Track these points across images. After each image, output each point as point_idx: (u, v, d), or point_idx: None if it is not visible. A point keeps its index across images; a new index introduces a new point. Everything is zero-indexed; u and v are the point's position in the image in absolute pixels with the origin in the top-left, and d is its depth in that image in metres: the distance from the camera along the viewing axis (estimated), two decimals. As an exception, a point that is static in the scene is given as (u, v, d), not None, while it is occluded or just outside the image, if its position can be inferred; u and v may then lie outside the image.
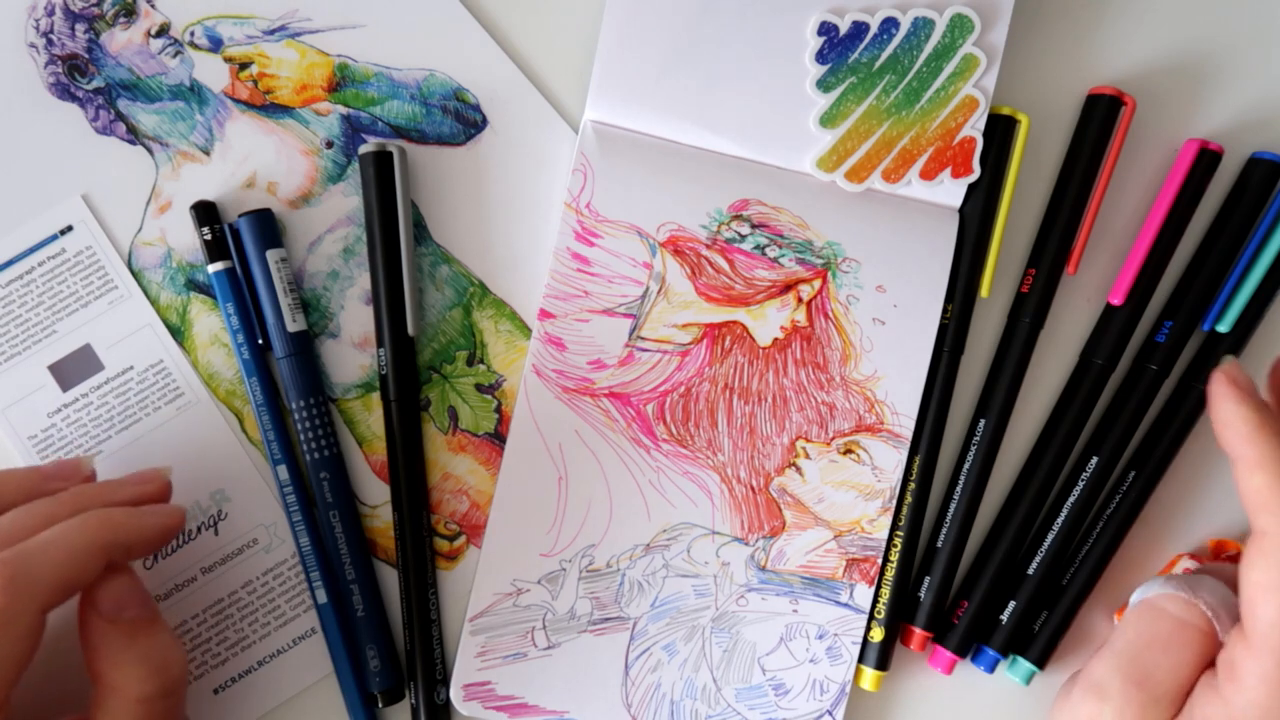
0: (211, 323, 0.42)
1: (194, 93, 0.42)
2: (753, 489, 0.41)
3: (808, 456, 0.42)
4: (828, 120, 0.41)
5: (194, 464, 0.41)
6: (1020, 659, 0.42)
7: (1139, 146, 0.44)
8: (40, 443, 0.41)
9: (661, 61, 0.41)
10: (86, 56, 0.42)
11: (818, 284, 0.42)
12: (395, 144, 0.42)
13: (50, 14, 0.42)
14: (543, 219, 0.43)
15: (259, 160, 0.42)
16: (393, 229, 0.41)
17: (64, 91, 0.42)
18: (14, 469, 0.36)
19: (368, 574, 0.41)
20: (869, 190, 0.42)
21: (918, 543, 0.42)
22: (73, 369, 0.41)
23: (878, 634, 0.42)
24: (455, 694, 0.40)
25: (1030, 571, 0.42)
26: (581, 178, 0.41)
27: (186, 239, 0.42)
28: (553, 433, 0.41)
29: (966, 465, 0.42)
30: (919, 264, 0.42)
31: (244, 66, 0.43)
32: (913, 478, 0.42)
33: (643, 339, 0.41)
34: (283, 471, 0.41)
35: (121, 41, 0.42)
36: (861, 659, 0.42)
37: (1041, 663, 0.42)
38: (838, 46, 0.41)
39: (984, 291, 0.42)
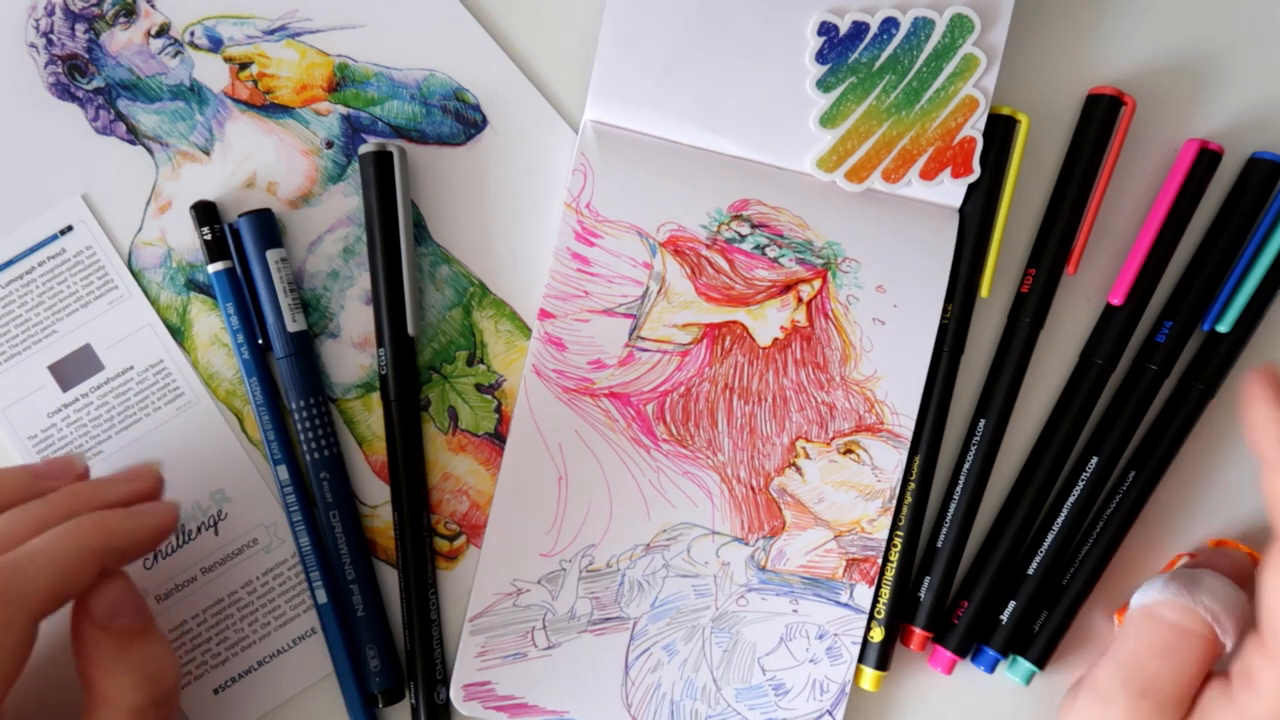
0: (211, 323, 0.42)
1: (194, 93, 0.42)
2: (753, 489, 0.41)
3: (808, 456, 0.42)
4: (828, 120, 0.41)
5: (194, 464, 0.41)
6: (1020, 659, 0.42)
7: (1139, 146, 0.44)
8: (40, 443, 0.41)
9: (661, 61, 0.41)
10: (86, 56, 0.42)
11: (818, 284, 0.42)
12: (395, 144, 0.42)
13: (50, 14, 0.42)
14: (543, 219, 0.43)
15: (259, 160, 0.42)
16: (393, 229, 0.41)
17: (64, 91, 0.42)
18: (6, 468, 0.35)
19: (368, 574, 0.41)
20: (869, 190, 0.42)
21: (918, 543, 0.42)
22: (73, 369, 0.41)
23: (878, 634, 0.42)
24: (455, 694, 0.40)
25: (1030, 571, 0.42)
26: (581, 178, 0.41)
27: (186, 239, 0.42)
28: (553, 433, 0.41)
29: (966, 465, 0.42)
30: (919, 264, 0.42)
31: (244, 66, 0.43)
32: (913, 478, 0.42)
33: (643, 339, 0.41)
34: (283, 471, 0.41)
35: (121, 41, 0.42)
36: (861, 659, 0.42)
37: (1041, 663, 0.42)
38: (838, 46, 0.41)
39: (984, 291, 0.42)
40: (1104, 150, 0.43)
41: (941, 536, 0.42)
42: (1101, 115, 0.43)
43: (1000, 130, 0.42)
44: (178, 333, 0.42)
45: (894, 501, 0.42)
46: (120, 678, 0.32)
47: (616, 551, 0.41)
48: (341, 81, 0.43)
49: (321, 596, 0.41)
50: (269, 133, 0.42)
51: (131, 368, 0.41)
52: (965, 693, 0.43)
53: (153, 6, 0.42)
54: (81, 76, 0.42)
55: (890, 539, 0.42)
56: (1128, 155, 0.44)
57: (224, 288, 0.41)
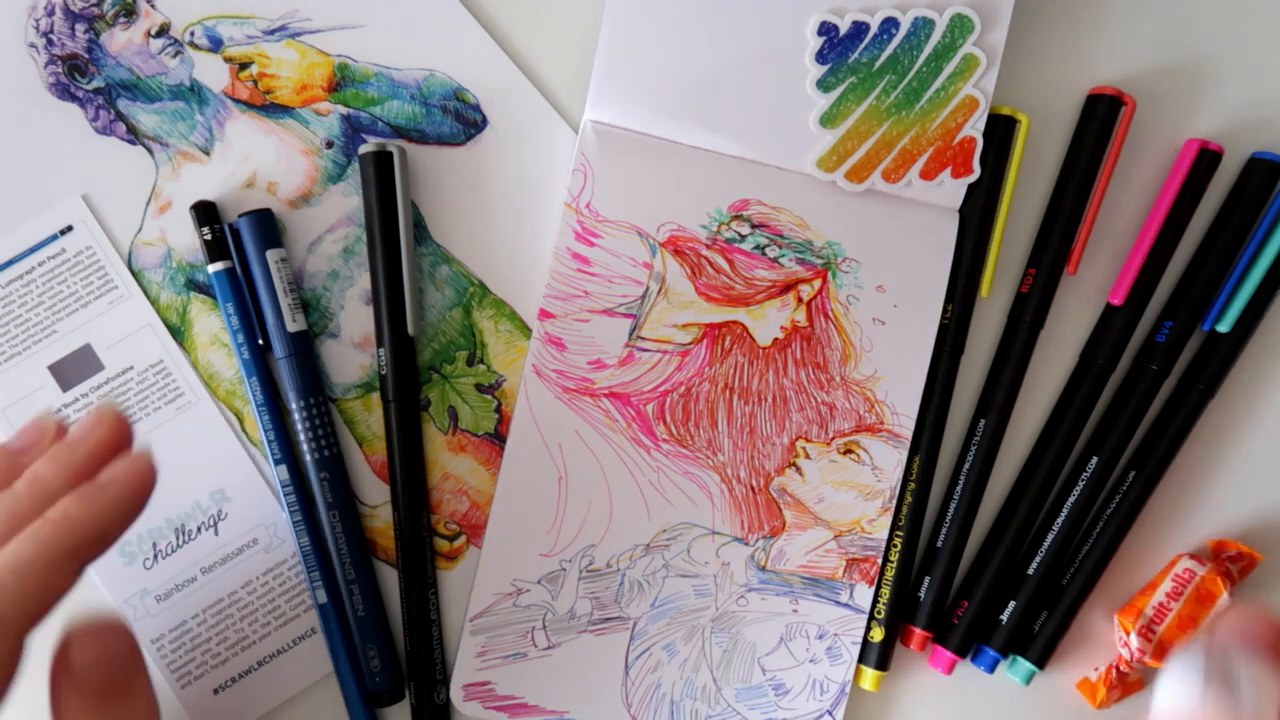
0: (211, 323, 0.42)
1: (194, 93, 0.42)
2: (753, 489, 0.41)
3: (808, 456, 0.42)
4: (828, 120, 0.41)
5: (194, 464, 0.41)
6: (1020, 659, 0.42)
7: (1139, 146, 0.44)
8: None
9: (661, 61, 0.41)
10: (86, 56, 0.42)
11: (818, 284, 0.42)
12: (395, 144, 0.42)
13: (50, 14, 0.42)
14: (543, 219, 0.43)
15: (259, 160, 0.42)
16: (393, 229, 0.41)
17: (64, 91, 0.42)
18: None
19: (368, 574, 0.41)
20: (869, 190, 0.42)
21: (918, 543, 0.42)
22: (73, 369, 0.41)
23: (878, 634, 0.42)
24: (455, 694, 0.40)
25: (1030, 571, 0.42)
26: (581, 178, 0.41)
27: (186, 239, 0.42)
28: (553, 433, 0.41)
29: (966, 465, 0.42)
30: (919, 264, 0.42)
31: (244, 66, 0.43)
32: (913, 478, 0.42)
33: (643, 339, 0.41)
34: (283, 471, 0.41)
35: (121, 41, 0.42)
36: (861, 659, 0.42)
37: (1041, 663, 0.42)
38: (838, 46, 0.41)
39: (984, 291, 0.42)
40: (1104, 150, 0.43)
41: (941, 536, 0.42)
42: (1101, 115, 0.43)
43: (1000, 130, 0.42)
44: (178, 333, 0.42)
45: (894, 501, 0.42)
46: None
47: (616, 551, 0.41)
48: (341, 81, 0.43)
49: (321, 596, 0.41)
50: (269, 133, 0.42)
51: (131, 368, 0.41)
52: (965, 693, 0.43)
53: (153, 6, 0.42)
54: (81, 76, 0.42)
55: (890, 539, 0.42)
56: (1128, 155, 0.44)
57: (224, 288, 0.41)
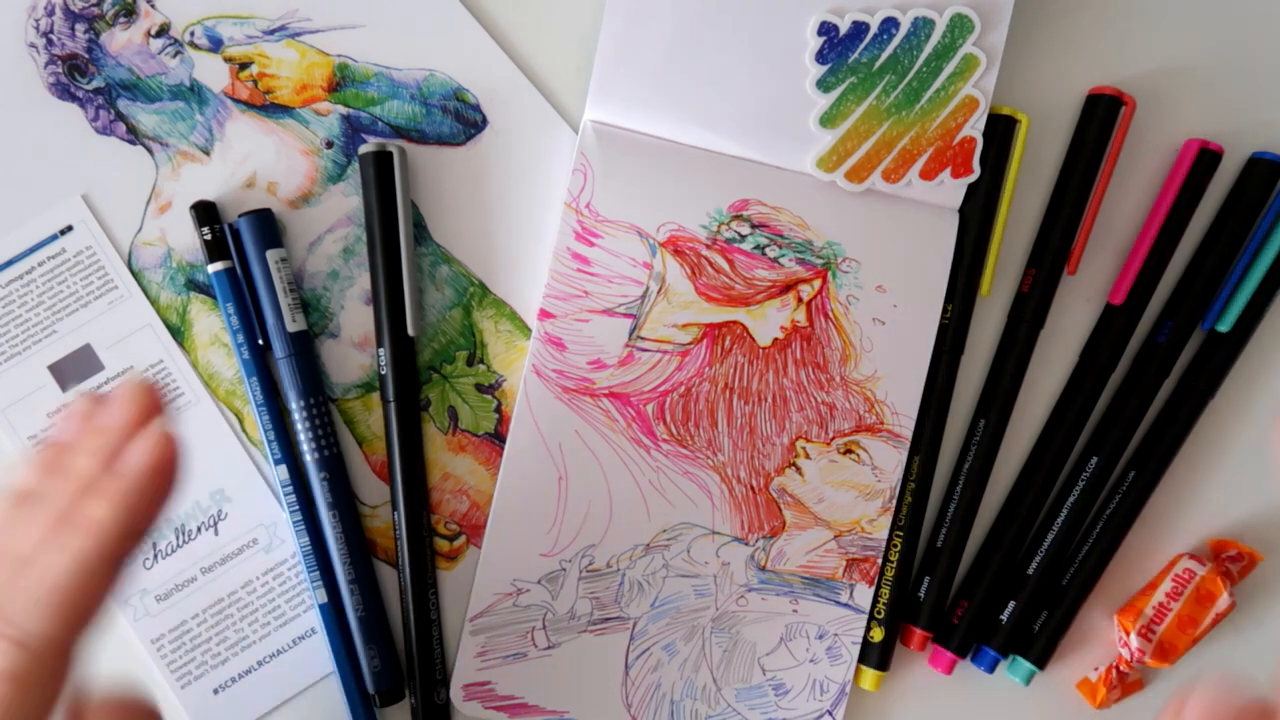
0: (211, 323, 0.42)
1: (194, 93, 0.42)
2: (753, 489, 0.41)
3: (808, 456, 0.42)
4: (828, 120, 0.41)
5: (194, 464, 0.41)
6: (1020, 659, 0.42)
7: (1139, 146, 0.44)
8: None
9: (661, 61, 0.41)
10: (86, 56, 0.42)
11: (818, 284, 0.42)
12: (395, 144, 0.42)
13: (50, 14, 0.42)
14: (543, 219, 0.43)
15: (259, 160, 0.42)
16: (393, 229, 0.41)
17: (64, 91, 0.42)
18: (57, 444, 0.32)
19: (368, 574, 0.41)
20: (869, 190, 0.42)
21: (918, 543, 0.42)
22: (73, 369, 0.41)
23: (878, 634, 0.42)
24: (455, 694, 0.40)
25: (1030, 571, 0.42)
26: (581, 178, 0.41)
27: (186, 239, 0.42)
28: (553, 433, 0.41)
29: (966, 465, 0.42)
30: (919, 264, 0.42)
31: (244, 66, 0.43)
32: (913, 478, 0.42)
33: (643, 339, 0.41)
34: (283, 471, 0.41)
35: (121, 41, 0.42)
36: (861, 659, 0.42)
37: (1041, 663, 0.42)
38: (838, 46, 0.41)
39: (984, 291, 0.42)
40: (1104, 150, 0.43)
41: (941, 536, 0.42)
42: (1101, 115, 0.43)
43: (1000, 130, 0.42)
44: (178, 333, 0.42)
45: (894, 501, 0.42)
46: None
47: (616, 551, 0.41)
48: (341, 81, 0.43)
49: (321, 596, 0.41)
50: (269, 133, 0.42)
51: (131, 368, 0.41)
52: (965, 693, 0.43)
53: (153, 6, 0.42)
54: (81, 76, 0.42)
55: (890, 539, 0.42)
56: (1128, 155, 0.44)
57: (224, 288, 0.41)
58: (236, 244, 0.41)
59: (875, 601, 0.42)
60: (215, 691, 0.41)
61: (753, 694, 0.41)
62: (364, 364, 0.42)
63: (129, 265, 0.42)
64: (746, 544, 0.41)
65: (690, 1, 0.41)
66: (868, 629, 0.42)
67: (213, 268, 0.41)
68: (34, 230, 0.42)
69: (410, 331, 0.41)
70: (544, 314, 0.41)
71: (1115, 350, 0.43)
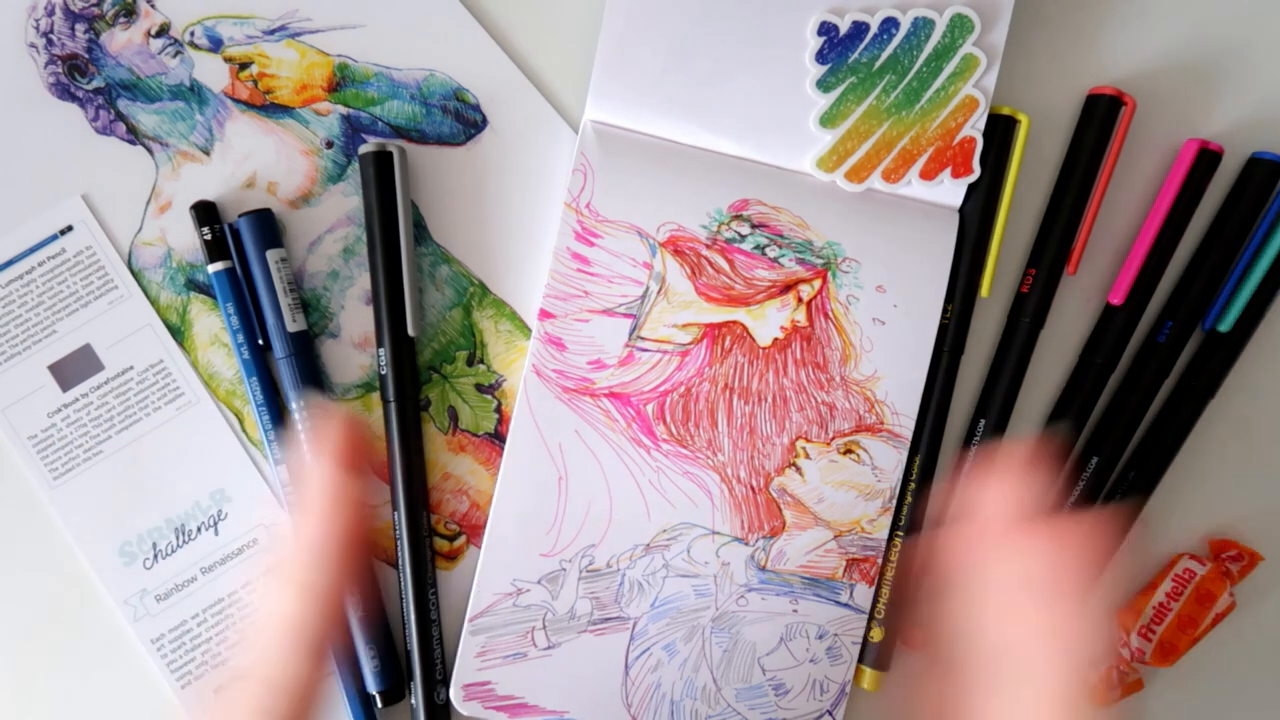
0: (211, 323, 0.42)
1: (194, 93, 0.42)
2: (753, 489, 0.41)
3: (808, 456, 0.42)
4: (828, 120, 0.41)
5: (194, 464, 0.41)
6: (1020, 659, 0.42)
7: (1139, 146, 0.44)
8: (40, 443, 0.41)
9: (661, 62, 0.41)
10: (86, 56, 0.42)
11: (818, 284, 0.42)
12: (395, 144, 0.42)
13: (50, 14, 0.42)
14: (543, 219, 0.43)
15: (259, 160, 0.42)
16: (393, 229, 0.41)
17: (64, 91, 0.42)
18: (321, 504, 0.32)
19: (368, 574, 0.41)
20: (869, 190, 0.42)
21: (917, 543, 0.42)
22: (73, 369, 0.41)
23: (878, 634, 0.42)
24: (455, 694, 0.40)
25: (1030, 571, 0.42)
26: (581, 178, 0.41)
27: (186, 239, 0.42)
28: (553, 433, 0.41)
29: (966, 465, 0.42)
30: (919, 264, 0.42)
31: (244, 66, 0.43)
32: (913, 478, 0.42)
33: (643, 339, 0.41)
34: (283, 471, 0.41)
35: (121, 41, 0.42)
36: (861, 659, 0.42)
37: (1041, 663, 0.42)
38: (838, 46, 0.41)
39: (984, 291, 0.42)
40: (1104, 150, 0.43)
41: (941, 536, 0.42)
42: (1101, 115, 0.43)
43: (1000, 130, 0.42)
44: (178, 333, 0.42)
45: (894, 501, 0.42)
46: None
47: (616, 551, 0.41)
48: (341, 81, 0.43)
49: (321, 596, 0.41)
50: (269, 133, 0.42)
51: (131, 368, 0.41)
52: (965, 693, 0.43)
53: (153, 6, 0.42)
54: (81, 76, 0.42)
55: (890, 539, 0.42)
56: (1128, 155, 0.44)
57: (224, 288, 0.41)
58: (236, 244, 0.41)
59: (875, 601, 0.42)
60: (215, 691, 0.41)
61: (753, 694, 0.41)
62: (364, 364, 0.42)
63: (129, 265, 0.42)
64: (746, 544, 0.41)
65: (690, 1, 0.41)
66: (868, 629, 0.42)
67: (213, 268, 0.41)
68: (34, 230, 0.42)
69: (410, 331, 0.41)
70: (544, 314, 0.41)
71: (1115, 350, 0.43)
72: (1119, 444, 0.42)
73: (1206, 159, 0.42)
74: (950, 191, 0.42)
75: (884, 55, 0.41)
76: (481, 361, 0.42)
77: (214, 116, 0.42)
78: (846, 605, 0.41)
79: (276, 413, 0.41)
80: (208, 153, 0.42)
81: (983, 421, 0.42)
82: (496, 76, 0.43)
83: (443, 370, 0.42)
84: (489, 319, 0.43)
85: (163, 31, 0.42)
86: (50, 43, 0.42)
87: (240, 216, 0.41)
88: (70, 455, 0.41)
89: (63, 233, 0.42)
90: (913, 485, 0.42)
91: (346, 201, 0.42)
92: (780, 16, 0.41)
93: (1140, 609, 0.42)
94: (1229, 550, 0.42)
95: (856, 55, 0.41)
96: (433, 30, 0.43)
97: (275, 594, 0.31)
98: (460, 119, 0.43)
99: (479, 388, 0.42)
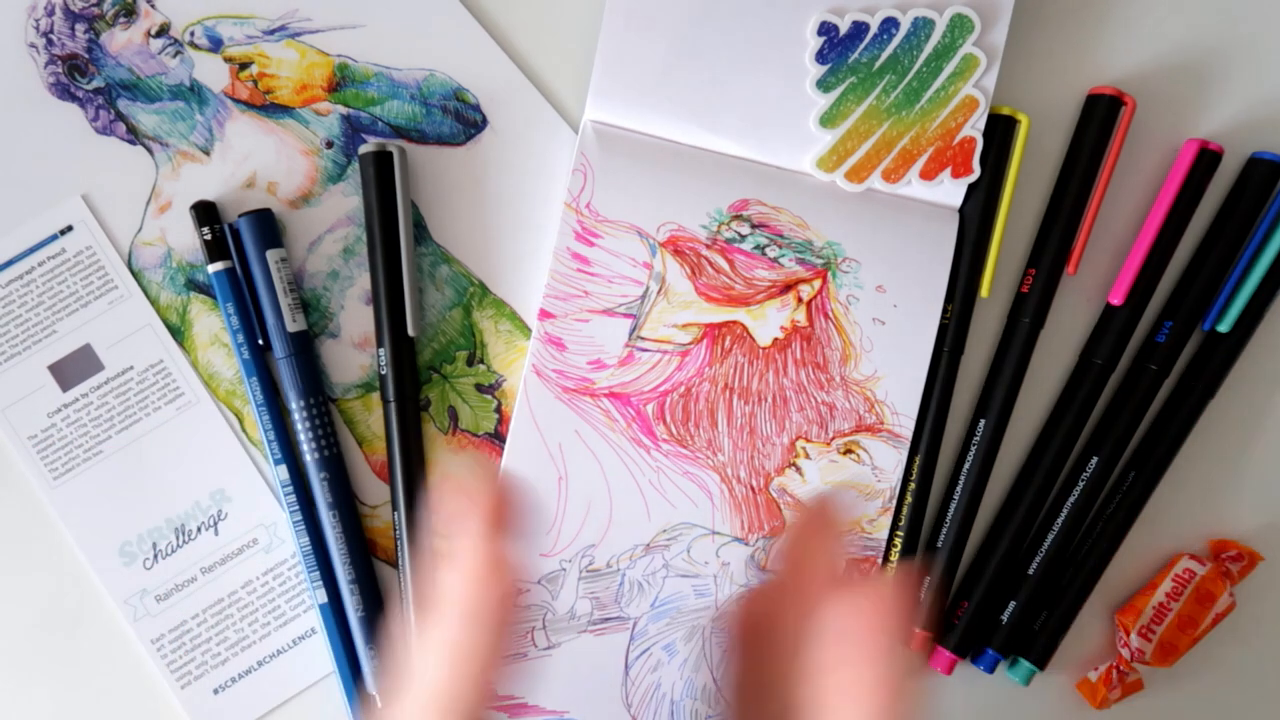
0: (211, 323, 0.42)
1: (194, 93, 0.42)
2: (753, 489, 0.41)
3: (808, 456, 0.42)
4: (828, 120, 0.41)
5: (194, 464, 0.41)
6: (1020, 659, 0.42)
7: (1139, 146, 0.44)
8: (40, 443, 0.41)
9: (661, 62, 0.41)
10: (86, 56, 0.42)
11: (818, 284, 0.42)
12: (395, 144, 0.42)
13: (50, 14, 0.42)
14: (543, 219, 0.43)
15: (259, 160, 0.42)
16: (393, 229, 0.41)
17: (64, 91, 0.42)
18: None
19: (368, 574, 0.41)
20: (869, 190, 0.42)
21: (918, 543, 0.42)
22: (73, 369, 0.41)
23: (878, 634, 0.42)
24: (455, 694, 0.40)
25: (1030, 571, 0.42)
26: (581, 178, 0.41)
27: (186, 239, 0.42)
28: (553, 433, 0.41)
29: (966, 465, 0.42)
30: (919, 264, 0.42)
31: (244, 66, 0.43)
32: (913, 478, 0.42)
33: (643, 339, 0.41)
34: (283, 471, 0.41)
35: (121, 41, 0.42)
36: (861, 659, 0.42)
37: (1042, 663, 0.42)
38: (838, 46, 0.41)
39: (984, 291, 0.42)
40: (1104, 150, 0.43)
41: (941, 536, 0.42)
42: (1101, 115, 0.43)
43: (1000, 130, 0.42)
44: (178, 333, 0.42)
45: (894, 501, 0.42)
46: None
47: (616, 551, 0.41)
48: (341, 81, 0.43)
49: (321, 596, 0.41)
50: (269, 133, 0.42)
51: (131, 368, 0.41)
52: (965, 693, 0.43)
53: (153, 6, 0.42)
54: (81, 76, 0.42)
55: (890, 539, 0.42)
56: (1128, 155, 0.44)
57: (224, 288, 0.41)
58: (236, 244, 0.41)
59: (875, 601, 0.42)
60: (215, 691, 0.41)
61: (753, 694, 0.41)
62: (364, 364, 0.42)
63: (129, 265, 0.42)
64: (746, 544, 0.41)
65: (690, 1, 0.41)
66: (868, 629, 0.42)
67: (213, 268, 0.41)
68: (34, 230, 0.42)
69: (410, 331, 0.41)
70: (544, 314, 0.41)
71: (1115, 350, 0.43)
72: (1119, 444, 0.42)
73: (1206, 159, 0.42)
74: (950, 191, 0.42)
75: (884, 55, 0.41)
76: (481, 361, 0.42)
77: (214, 116, 0.42)
78: (846, 605, 0.41)
79: (276, 413, 0.41)
80: (208, 153, 0.42)
81: (983, 421, 0.42)
82: (496, 76, 0.43)
83: (443, 370, 0.42)
84: (489, 319, 0.43)
85: (163, 31, 0.42)
86: (50, 43, 0.42)
87: (240, 216, 0.41)
88: (70, 455, 0.41)
89: (63, 233, 0.42)
90: (913, 485, 0.42)
91: (346, 201, 0.42)
92: (780, 16, 0.41)
93: (1140, 609, 0.42)
94: (1229, 550, 0.42)
95: (856, 55, 0.41)
96: (433, 30, 0.43)
97: (421, 662, 0.27)
98: (460, 119, 0.43)
99: (479, 388, 0.42)
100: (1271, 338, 0.44)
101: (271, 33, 0.43)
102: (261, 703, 0.41)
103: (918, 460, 0.42)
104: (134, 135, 0.42)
